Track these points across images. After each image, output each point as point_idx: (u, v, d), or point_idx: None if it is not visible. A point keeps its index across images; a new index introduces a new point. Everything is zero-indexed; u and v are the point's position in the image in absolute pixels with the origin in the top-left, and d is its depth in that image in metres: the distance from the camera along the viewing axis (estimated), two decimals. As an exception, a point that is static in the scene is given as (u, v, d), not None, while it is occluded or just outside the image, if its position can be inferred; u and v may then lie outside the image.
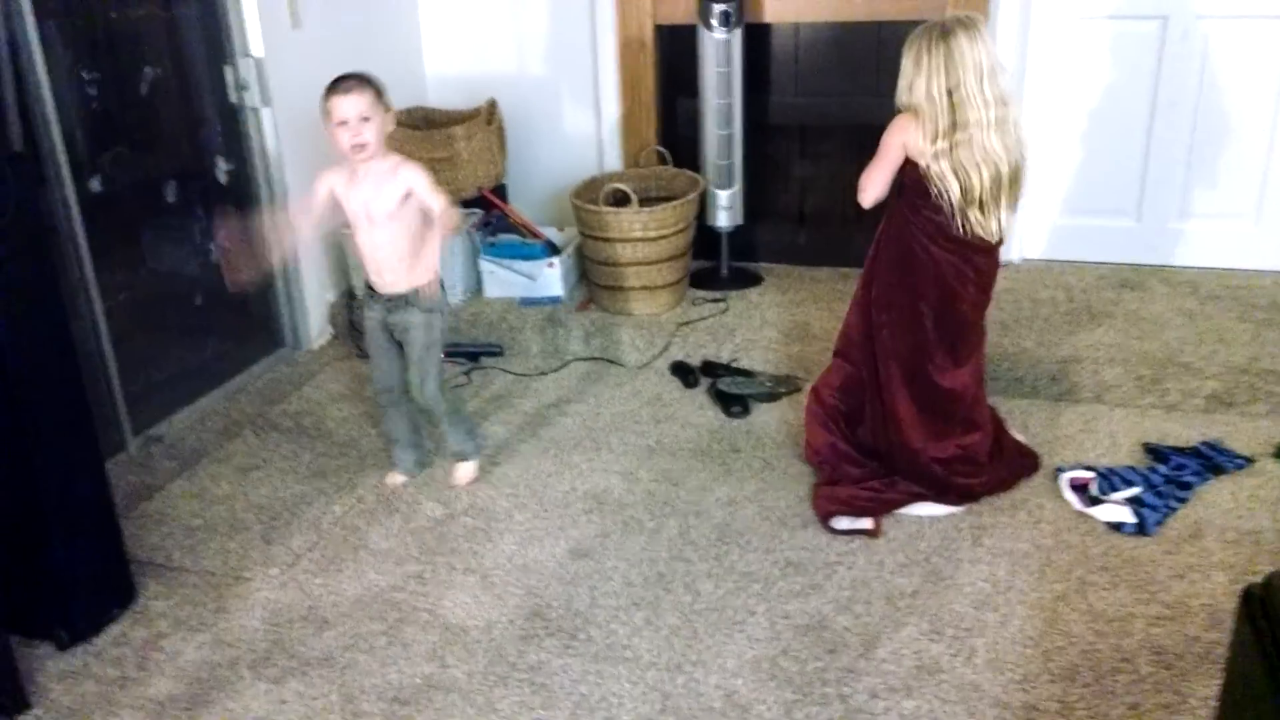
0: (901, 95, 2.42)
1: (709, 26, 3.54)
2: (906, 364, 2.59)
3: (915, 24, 2.45)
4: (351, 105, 2.51)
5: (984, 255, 2.54)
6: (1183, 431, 2.96)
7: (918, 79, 2.36)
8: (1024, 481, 2.75)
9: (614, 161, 4.08)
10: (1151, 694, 2.04)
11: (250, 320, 3.67)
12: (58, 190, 2.82)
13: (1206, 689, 2.02)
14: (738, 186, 3.78)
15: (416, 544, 2.63)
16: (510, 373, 3.56)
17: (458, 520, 2.72)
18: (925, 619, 2.27)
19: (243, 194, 3.52)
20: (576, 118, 4.13)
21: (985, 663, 2.14)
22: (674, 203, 3.59)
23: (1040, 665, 2.12)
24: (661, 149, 3.97)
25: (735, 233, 3.86)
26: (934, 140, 2.35)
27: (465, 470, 2.89)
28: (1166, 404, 3.10)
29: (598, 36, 3.94)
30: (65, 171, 2.82)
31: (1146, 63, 3.60)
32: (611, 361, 3.58)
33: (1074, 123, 3.75)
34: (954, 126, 2.34)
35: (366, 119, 2.52)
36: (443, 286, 2.76)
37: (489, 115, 3.96)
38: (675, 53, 3.87)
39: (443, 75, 4.24)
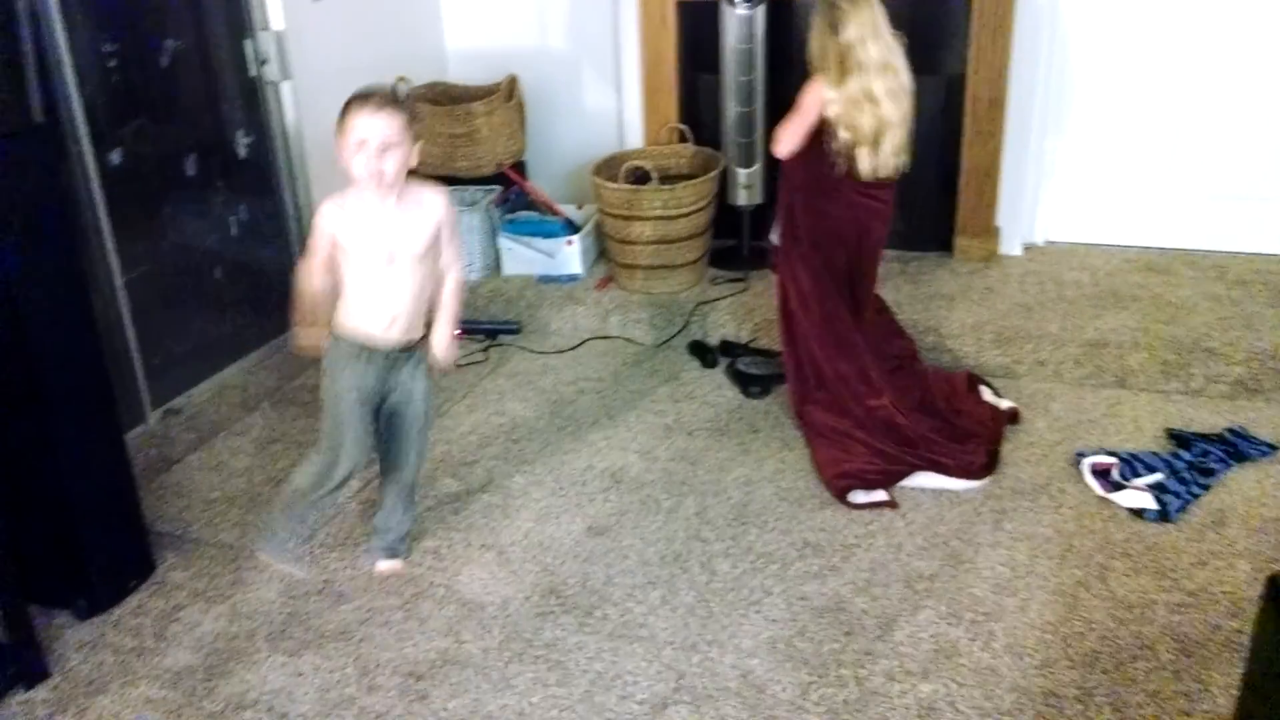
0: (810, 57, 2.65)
1: (731, 2, 3.50)
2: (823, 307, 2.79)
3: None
4: (377, 127, 2.07)
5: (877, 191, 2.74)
6: (1208, 417, 2.92)
7: (813, 39, 2.63)
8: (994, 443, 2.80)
9: (635, 139, 4.04)
10: (1172, 681, 2.02)
11: (269, 294, 3.66)
12: (78, 163, 2.81)
13: (1228, 677, 2.00)
14: (759, 165, 3.74)
15: (433, 519, 2.63)
16: (528, 350, 3.55)
17: (475, 496, 2.72)
18: (943, 602, 2.26)
19: (262, 167, 3.51)
20: (597, 94, 4.10)
21: (1004, 647, 2.12)
22: (694, 181, 3.57)
23: (1060, 651, 2.11)
24: (682, 126, 3.93)
25: (756, 211, 3.83)
26: (833, 86, 2.58)
27: (393, 566, 2.48)
28: (1191, 389, 3.07)
29: (619, 12, 3.90)
30: (86, 144, 2.82)
31: (1177, 39, 3.55)
32: (629, 340, 3.57)
33: (1101, 102, 3.70)
34: (844, 74, 2.57)
35: (390, 147, 2.08)
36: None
37: (509, 91, 3.94)
38: (697, 29, 3.83)
39: (463, 50, 4.22)
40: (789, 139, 2.67)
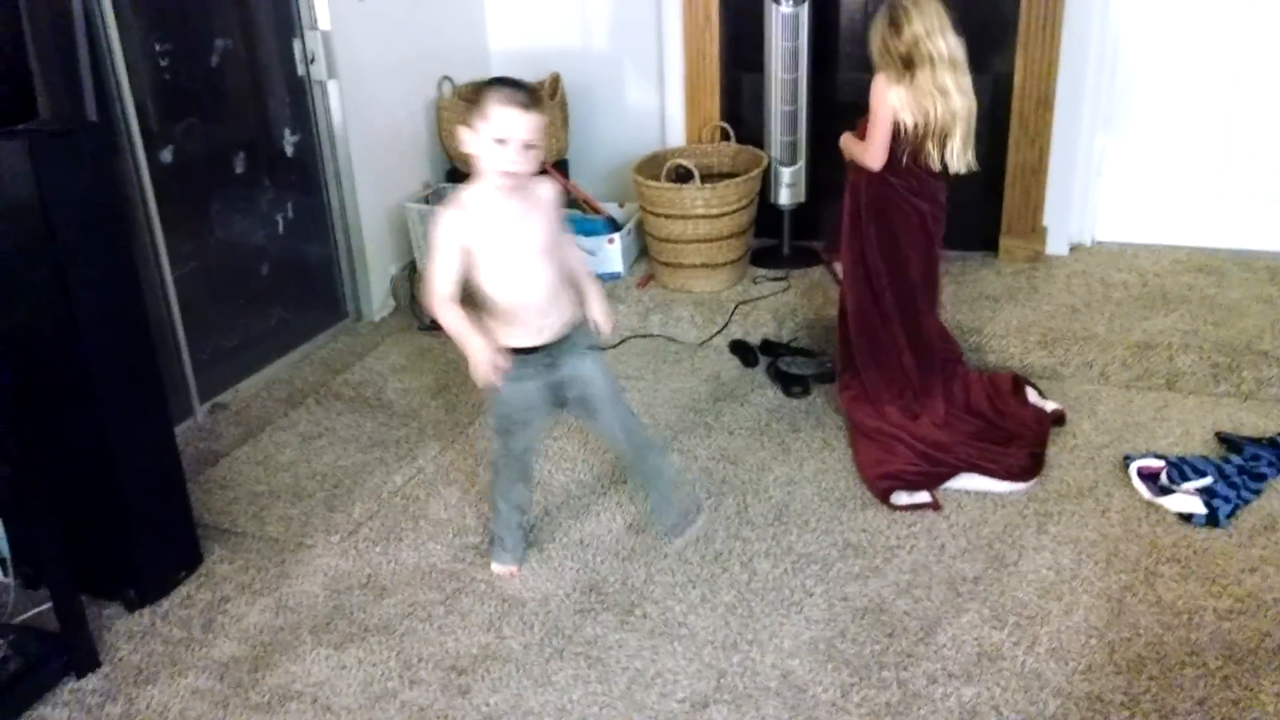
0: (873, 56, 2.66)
1: (776, 0, 3.49)
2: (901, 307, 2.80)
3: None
4: (523, 125, 2.00)
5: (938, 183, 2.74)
6: (1258, 421, 2.87)
7: (874, 37, 2.64)
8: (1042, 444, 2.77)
9: (677, 137, 4.04)
10: (1220, 689, 1.99)
11: (314, 291, 3.71)
12: (130, 160, 2.87)
13: (1278, 685, 1.97)
14: (802, 164, 3.73)
15: (475, 515, 2.65)
16: (569, 348, 3.56)
17: (516, 493, 2.73)
18: (987, 605, 2.24)
19: (308, 166, 3.56)
20: (639, 93, 4.10)
21: (1048, 651, 2.10)
22: (737, 179, 3.56)
23: (1105, 656, 2.08)
24: (725, 125, 3.93)
25: (798, 210, 3.81)
26: (896, 82, 2.59)
27: (689, 536, 2.48)
28: (1242, 393, 3.02)
29: (662, 10, 3.90)
30: (137, 142, 2.87)
31: (1229, 37, 3.49)
32: (671, 339, 3.57)
33: (1152, 100, 3.64)
34: (909, 67, 2.58)
35: (532, 146, 2.03)
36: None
37: (552, 90, 3.95)
38: (740, 27, 3.81)
39: (506, 50, 4.24)
40: (878, 148, 2.64)
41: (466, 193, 2.10)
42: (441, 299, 2.09)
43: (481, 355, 2.09)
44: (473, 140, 2.04)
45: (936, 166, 2.65)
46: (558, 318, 2.18)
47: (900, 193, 2.69)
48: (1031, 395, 2.96)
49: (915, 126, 2.60)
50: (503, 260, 2.10)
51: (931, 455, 2.67)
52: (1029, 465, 2.66)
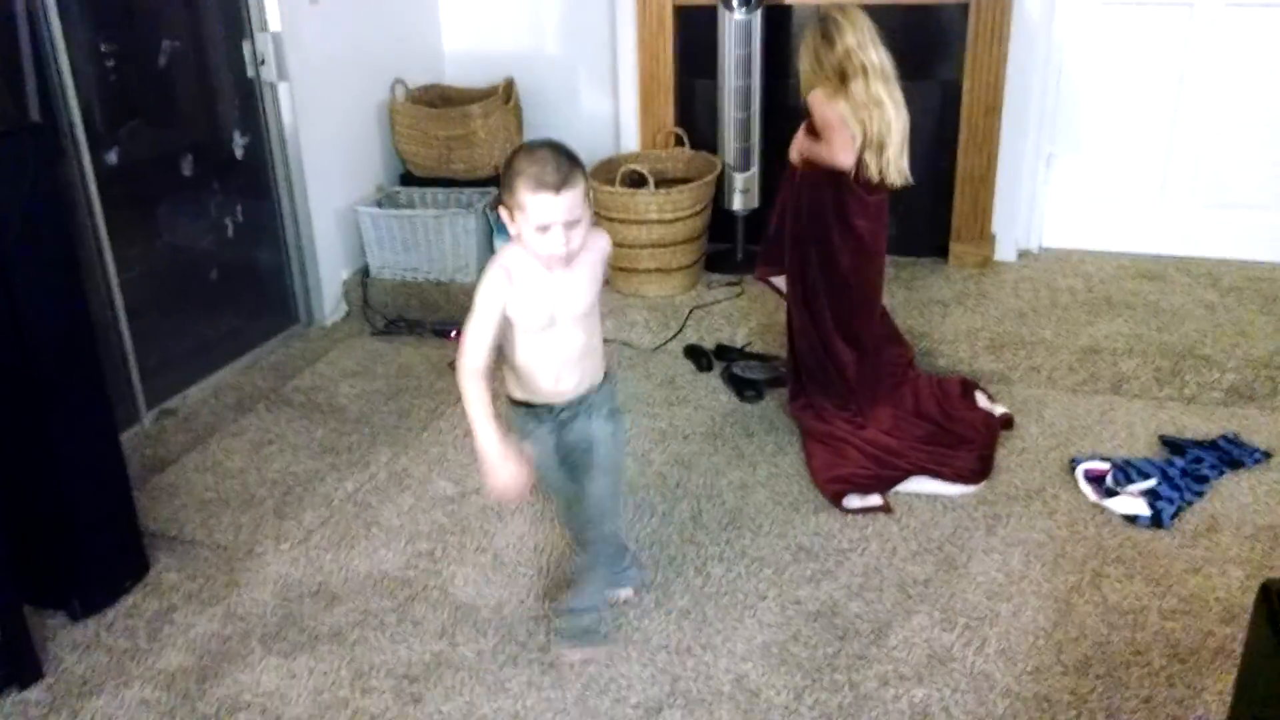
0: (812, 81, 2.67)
1: (729, 7, 3.51)
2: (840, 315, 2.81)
3: (941, 7, 2.49)
4: (561, 209, 1.81)
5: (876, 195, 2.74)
6: (1200, 424, 2.93)
7: (804, 55, 2.67)
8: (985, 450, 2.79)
9: (631, 143, 4.05)
10: (1165, 687, 2.02)
11: (264, 296, 3.67)
12: (75, 162, 2.81)
13: (1220, 683, 2.01)
14: (755, 169, 3.75)
15: (428, 522, 2.63)
16: (524, 353, 3.55)
17: (469, 499, 2.72)
18: (937, 608, 2.26)
19: (258, 168, 3.51)
20: (594, 98, 4.10)
21: (997, 652, 2.13)
22: (690, 185, 3.57)
23: (1053, 656, 2.11)
24: (679, 130, 3.94)
25: (751, 216, 3.83)
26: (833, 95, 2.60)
27: (585, 654, 2.19)
28: (1185, 396, 3.08)
29: (616, 16, 3.91)
30: (82, 143, 2.82)
31: (1172, 49, 3.56)
32: (625, 344, 3.57)
33: (1097, 110, 3.71)
34: (844, 80, 2.60)
35: (576, 222, 1.86)
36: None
37: (506, 94, 3.94)
38: (694, 33, 3.83)
39: (460, 53, 4.22)
40: (845, 146, 2.59)
41: (511, 254, 1.93)
42: (473, 372, 1.91)
43: (499, 468, 1.92)
44: (514, 223, 1.88)
45: (875, 178, 2.65)
46: (584, 377, 2.05)
47: (839, 212, 2.69)
48: (980, 399, 3.00)
49: (853, 139, 2.59)
50: (540, 326, 1.95)
51: (882, 459, 2.70)
52: (978, 468, 2.70)
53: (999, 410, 2.97)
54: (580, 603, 2.18)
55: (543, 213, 1.82)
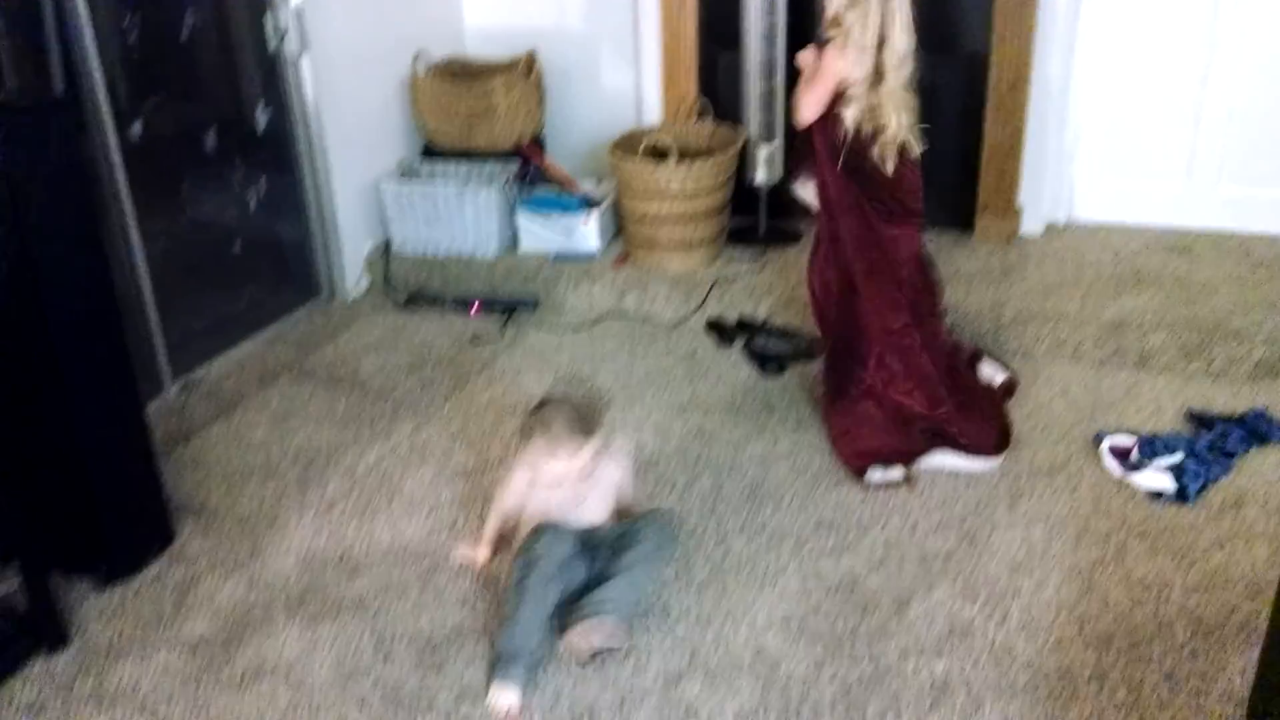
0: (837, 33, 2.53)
1: (753, -22, 3.48)
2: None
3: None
4: (574, 468, 2.14)
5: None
6: (1228, 399, 2.90)
7: (855, 25, 2.49)
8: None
9: (653, 115, 4.03)
10: (1188, 662, 2.01)
11: (287, 269, 3.68)
12: (99, 136, 2.82)
13: (1244, 659, 1.99)
14: (778, 142, 3.72)
15: (449, 493, 2.64)
16: (544, 327, 3.55)
17: (490, 471, 2.73)
18: (959, 581, 2.26)
19: (281, 143, 3.52)
20: (616, 70, 4.08)
21: (1018, 626, 2.12)
22: (713, 158, 3.55)
23: (1075, 630, 2.10)
24: (702, 103, 3.91)
25: (774, 189, 3.81)
26: (862, 79, 2.51)
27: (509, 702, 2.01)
28: (1212, 371, 3.04)
29: (639, -13, 3.89)
30: (107, 118, 2.83)
31: (1202, 20, 3.50)
32: (646, 318, 3.56)
33: (1125, 83, 3.66)
34: (876, 72, 2.51)
35: (586, 476, 2.17)
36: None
37: (528, 67, 3.93)
38: (717, 4, 3.80)
39: (482, 26, 4.21)
40: (812, 106, 2.57)
41: (540, 456, 2.19)
42: (483, 540, 2.30)
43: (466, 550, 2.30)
44: (523, 475, 2.20)
45: (890, 140, 2.57)
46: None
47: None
48: (984, 369, 2.96)
49: (820, 105, 2.54)
50: (552, 511, 2.20)
51: (905, 431, 2.67)
52: (998, 441, 2.68)
53: (1000, 379, 2.93)
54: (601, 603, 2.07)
55: (551, 472, 2.15)
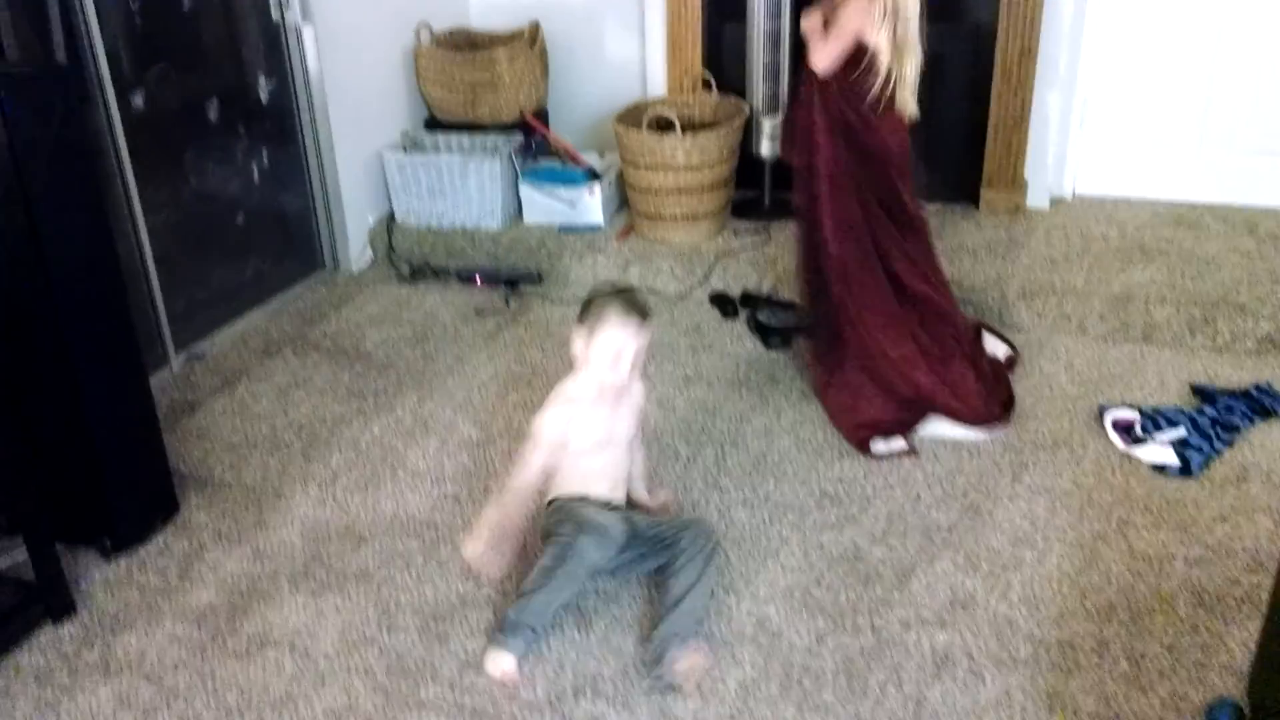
0: None
1: (758, -53, 3.45)
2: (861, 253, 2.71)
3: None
4: (630, 342, 2.16)
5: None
6: (1233, 373, 2.90)
7: None
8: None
9: (658, 87, 4.01)
10: (1189, 635, 2.02)
11: (291, 241, 3.68)
12: (101, 106, 2.81)
13: (1245, 632, 2.00)
14: (783, 114, 3.70)
15: (453, 465, 2.65)
16: (548, 300, 3.55)
17: (495, 443, 2.73)
18: (961, 553, 2.26)
19: (284, 113, 3.51)
20: (620, 41, 4.05)
21: (1020, 598, 2.13)
22: (718, 130, 3.53)
23: (1076, 603, 2.11)
24: (707, 74, 3.89)
25: (779, 162, 3.79)
26: (880, 22, 2.51)
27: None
28: (1217, 345, 3.04)
29: (644, -43, 3.86)
30: (109, 87, 2.81)
31: (1213, -9, 3.48)
32: (650, 290, 3.56)
33: (1133, 55, 3.63)
34: (894, 12, 2.51)
35: (636, 363, 2.20)
36: None
37: (532, 37, 3.90)
38: (723, -25, 3.78)
39: (486, -4, 4.18)
40: (830, 57, 2.54)
41: (572, 388, 2.21)
42: (519, 490, 2.17)
43: (481, 554, 2.17)
44: (585, 351, 2.17)
45: (900, 107, 2.60)
46: (621, 494, 2.27)
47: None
48: (988, 342, 2.95)
49: (842, 53, 2.53)
50: (588, 446, 2.20)
51: (903, 400, 2.67)
52: (1000, 413, 2.68)
53: (1002, 352, 2.93)
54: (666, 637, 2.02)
55: (614, 343, 2.14)
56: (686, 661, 1.95)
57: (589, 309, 2.18)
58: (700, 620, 2.06)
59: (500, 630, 2.01)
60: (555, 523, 2.16)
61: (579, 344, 2.19)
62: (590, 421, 2.20)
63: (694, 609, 2.04)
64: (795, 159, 2.74)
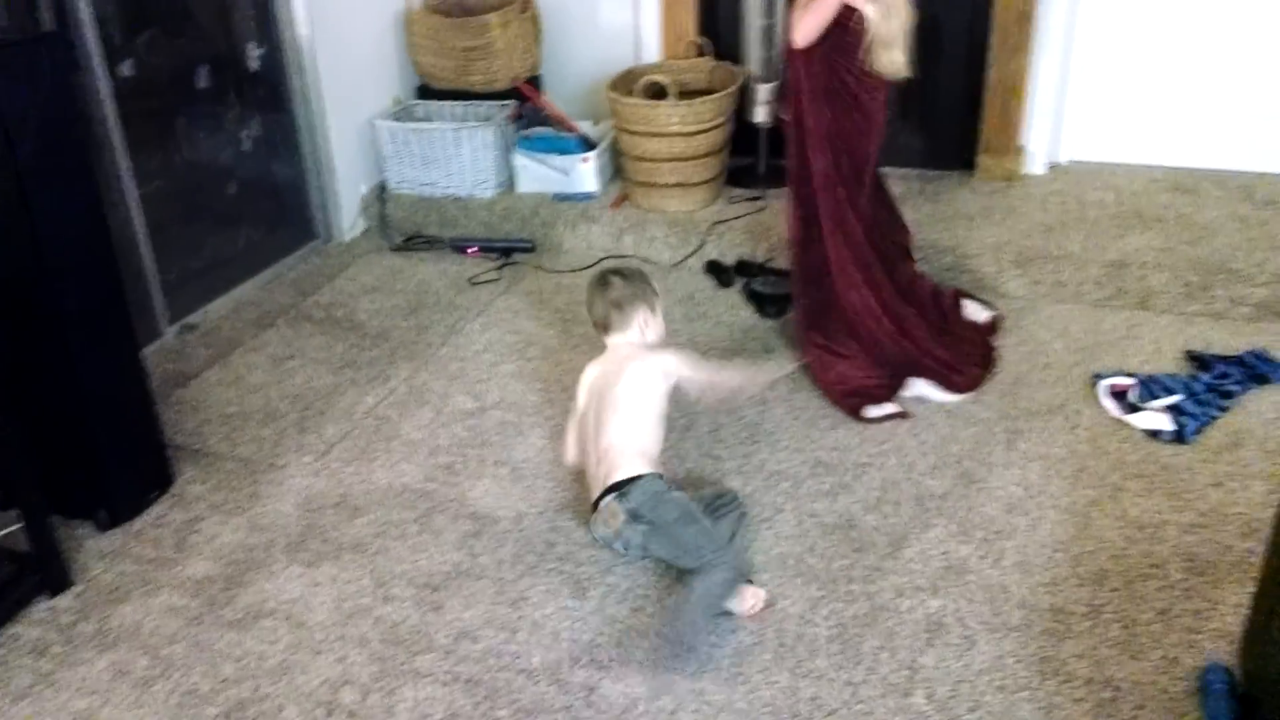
0: None
1: (753, -90, 3.40)
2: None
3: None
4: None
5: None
6: (1228, 339, 2.89)
7: None
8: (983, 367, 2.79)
9: (652, 53, 3.97)
10: (1182, 600, 2.02)
11: (283, 211, 3.65)
12: (90, 73, 2.78)
13: (1237, 596, 2.01)
14: (779, 80, 3.67)
15: (447, 436, 2.65)
16: (542, 269, 3.53)
17: (489, 413, 2.73)
18: (954, 521, 2.27)
19: (275, 81, 3.47)
20: (613, 7, 4.00)
21: (1013, 565, 2.13)
22: (712, 96, 3.50)
23: (1069, 569, 2.11)
24: (701, 40, 3.85)
25: (775, 128, 3.76)
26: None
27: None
28: (1213, 311, 3.03)
29: (637, -79, 3.80)
30: (96, 55, 2.78)
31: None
32: (645, 259, 3.54)
33: (1131, 19, 3.59)
34: None
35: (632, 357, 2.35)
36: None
37: (524, 3, 3.86)
38: (717, -61, 3.73)
39: (478, -39, 4.12)
40: (809, 31, 2.52)
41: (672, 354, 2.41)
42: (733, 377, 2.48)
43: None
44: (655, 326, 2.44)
45: (887, 72, 2.58)
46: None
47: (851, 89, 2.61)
48: (968, 308, 2.95)
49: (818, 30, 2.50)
50: (592, 408, 2.31)
51: (887, 362, 2.70)
52: (977, 376, 2.73)
53: (984, 317, 2.94)
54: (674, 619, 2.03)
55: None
56: (756, 598, 2.06)
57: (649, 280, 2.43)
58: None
59: (742, 577, 2.07)
60: (711, 494, 2.30)
61: (658, 313, 2.43)
62: (598, 375, 2.39)
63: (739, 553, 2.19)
64: (786, 115, 2.75)
